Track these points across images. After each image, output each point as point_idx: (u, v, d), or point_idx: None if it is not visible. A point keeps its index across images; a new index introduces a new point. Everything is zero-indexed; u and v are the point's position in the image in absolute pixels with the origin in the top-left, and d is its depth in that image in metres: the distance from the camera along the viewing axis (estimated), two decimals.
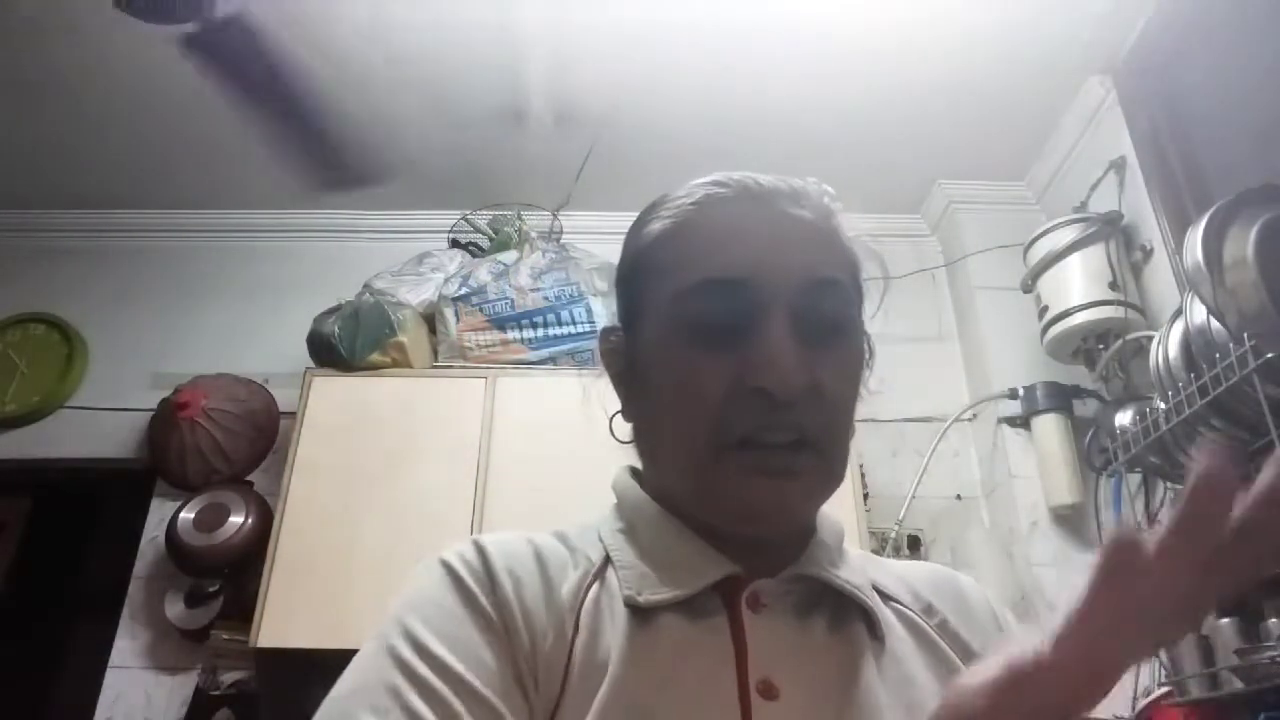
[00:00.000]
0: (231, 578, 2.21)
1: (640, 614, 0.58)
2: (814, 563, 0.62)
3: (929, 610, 0.66)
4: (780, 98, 2.34)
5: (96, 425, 2.55)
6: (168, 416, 2.39)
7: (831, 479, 0.61)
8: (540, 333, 2.27)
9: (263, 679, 2.02)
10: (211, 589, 2.21)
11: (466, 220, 2.68)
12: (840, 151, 2.51)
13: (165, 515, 2.30)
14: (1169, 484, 1.86)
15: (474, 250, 2.58)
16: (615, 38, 2.17)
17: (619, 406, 0.71)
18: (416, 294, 2.38)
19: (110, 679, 2.22)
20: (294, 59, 1.73)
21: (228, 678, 2.08)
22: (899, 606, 0.66)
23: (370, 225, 2.83)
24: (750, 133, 2.44)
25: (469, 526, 1.99)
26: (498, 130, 2.48)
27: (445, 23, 2.13)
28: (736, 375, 0.58)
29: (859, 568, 0.66)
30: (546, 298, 2.30)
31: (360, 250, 2.75)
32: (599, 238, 2.60)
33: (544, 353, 2.25)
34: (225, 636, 2.11)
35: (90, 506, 3.03)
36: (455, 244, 2.63)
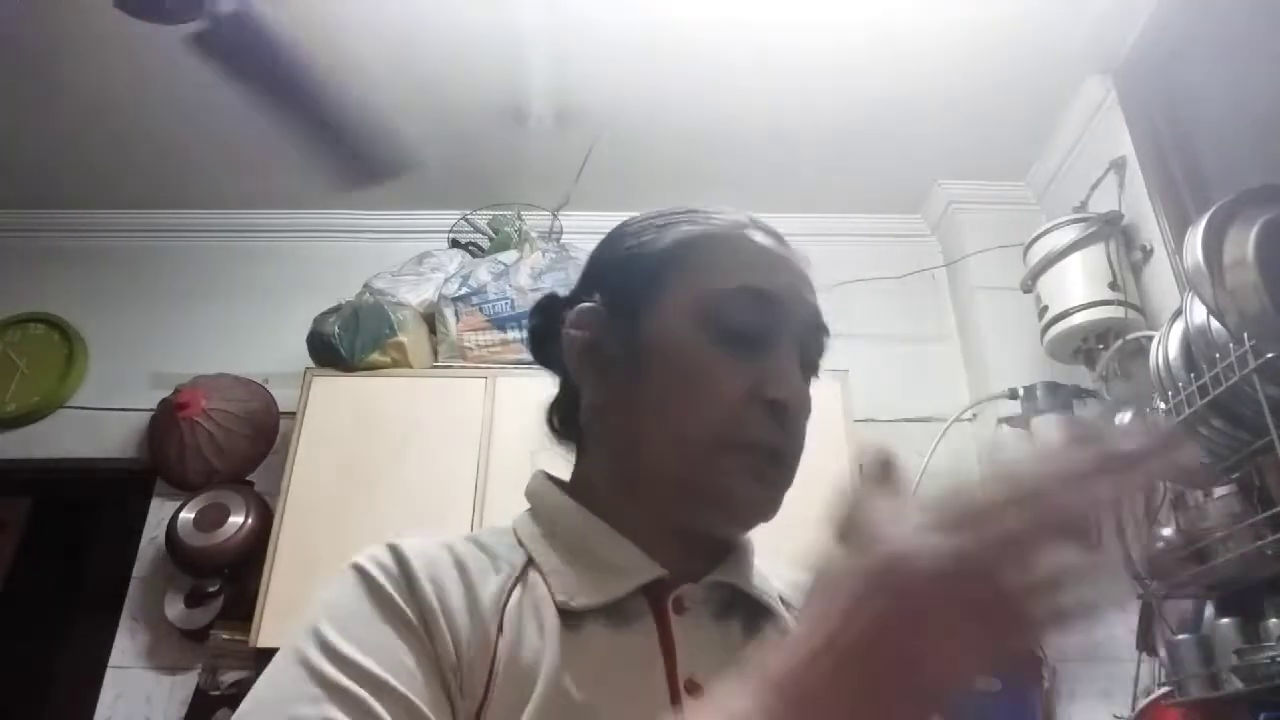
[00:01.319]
0: (231, 578, 2.21)
1: (570, 616, 0.59)
2: (733, 572, 0.66)
3: None
4: (781, 98, 2.34)
5: (96, 425, 2.55)
6: (168, 416, 2.38)
7: (782, 502, 0.65)
8: None
9: None
10: (211, 589, 2.21)
11: (466, 220, 2.68)
12: (841, 151, 2.51)
13: (165, 515, 2.29)
14: (1169, 484, 1.85)
15: (474, 250, 2.58)
16: (615, 38, 2.17)
17: (556, 396, 0.74)
18: (416, 294, 2.38)
19: (110, 679, 2.22)
20: (306, 53, 1.72)
21: (228, 678, 2.08)
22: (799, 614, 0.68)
23: (370, 225, 2.83)
24: (751, 133, 2.44)
25: (469, 526, 1.99)
26: (498, 130, 2.48)
27: (445, 23, 2.13)
28: (755, 383, 0.62)
29: (768, 578, 0.69)
30: None
31: (360, 250, 2.75)
32: (599, 238, 2.60)
33: None
34: (225, 636, 2.11)
35: (90, 506, 3.04)
36: (455, 244, 2.63)
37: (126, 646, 2.26)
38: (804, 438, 0.65)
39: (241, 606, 2.08)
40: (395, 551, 0.60)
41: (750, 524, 0.65)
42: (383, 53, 2.23)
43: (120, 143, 2.54)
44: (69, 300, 2.73)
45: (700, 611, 0.63)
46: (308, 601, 0.58)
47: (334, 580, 0.59)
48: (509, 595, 0.60)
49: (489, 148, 2.56)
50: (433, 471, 2.07)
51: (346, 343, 2.21)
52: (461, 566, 0.61)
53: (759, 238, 0.68)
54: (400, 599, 0.56)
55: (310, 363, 2.27)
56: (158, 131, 2.49)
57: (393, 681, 0.52)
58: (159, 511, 2.38)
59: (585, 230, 2.65)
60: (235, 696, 2.05)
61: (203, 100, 2.24)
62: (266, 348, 2.58)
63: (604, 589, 0.60)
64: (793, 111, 2.38)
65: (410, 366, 2.24)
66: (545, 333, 0.73)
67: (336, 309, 2.31)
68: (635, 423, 0.65)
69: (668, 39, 2.18)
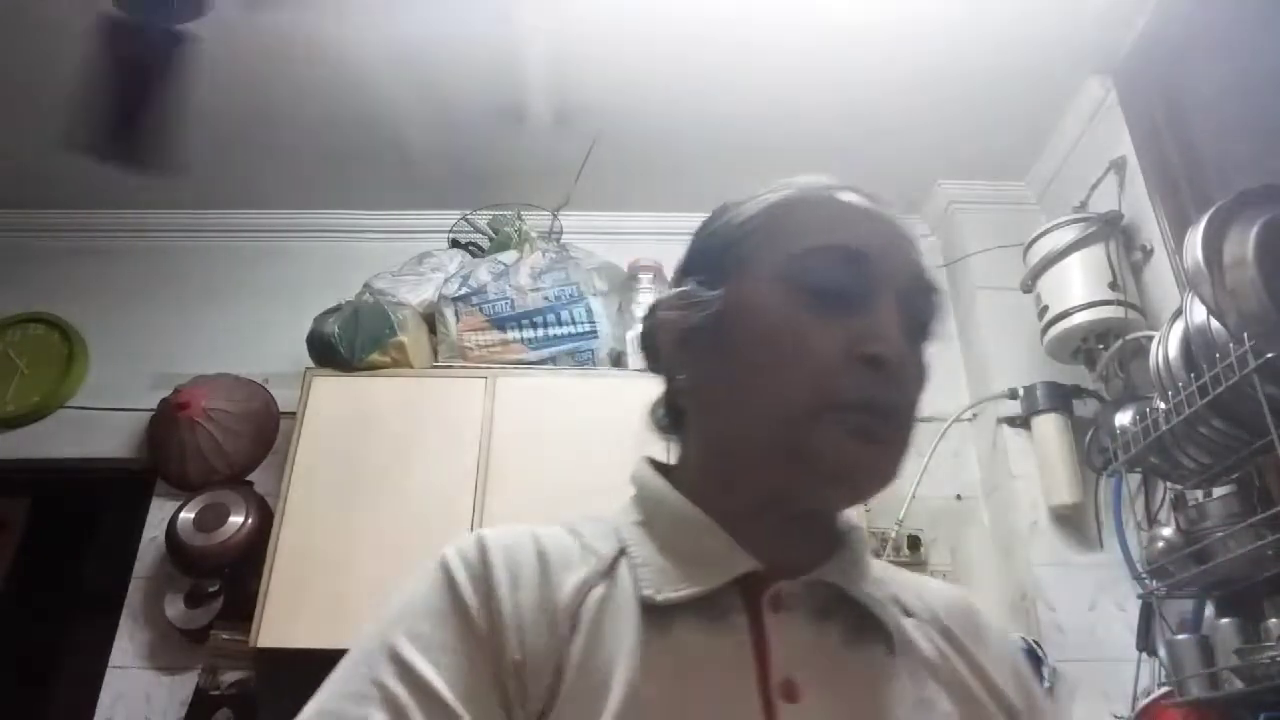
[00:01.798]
0: (231, 578, 2.20)
1: (656, 612, 0.57)
2: (839, 571, 0.61)
3: (947, 634, 0.65)
4: (780, 97, 2.34)
5: (96, 425, 2.55)
6: (168, 416, 2.39)
7: (902, 464, 0.61)
8: (540, 333, 2.27)
9: (263, 679, 2.02)
10: (211, 589, 2.21)
11: (466, 220, 2.68)
12: (840, 151, 2.50)
13: (165, 515, 2.29)
14: (1169, 484, 1.86)
15: (474, 250, 2.58)
16: (615, 36, 2.17)
17: (662, 391, 0.70)
18: (416, 294, 2.38)
19: (110, 679, 2.21)
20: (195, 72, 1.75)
21: (228, 678, 2.08)
22: (921, 624, 0.65)
23: (370, 225, 2.83)
24: (750, 132, 2.43)
25: (469, 527, 1.99)
26: (498, 130, 2.48)
27: (445, 23, 2.13)
28: (849, 341, 0.58)
29: (882, 581, 0.65)
30: (546, 298, 2.30)
31: (360, 250, 2.74)
32: (599, 238, 2.60)
33: (544, 353, 2.25)
34: (225, 636, 2.11)
35: (90, 506, 3.03)
36: (455, 244, 2.63)
37: (126, 646, 2.26)
38: (916, 400, 0.61)
39: (241, 606, 2.08)
40: (480, 543, 0.60)
41: (864, 491, 0.60)
42: (383, 53, 2.23)
43: None
44: (69, 300, 2.73)
45: (799, 610, 0.59)
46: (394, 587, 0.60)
47: (423, 569, 0.60)
48: (590, 590, 0.58)
49: (489, 148, 2.56)
50: (433, 472, 2.07)
51: (346, 343, 2.21)
52: (543, 557, 0.59)
53: (846, 196, 0.64)
54: (472, 598, 0.56)
55: (310, 363, 2.27)
56: None
57: (442, 689, 0.52)
58: (159, 511, 2.38)
59: (585, 230, 2.65)
60: (235, 696, 2.05)
61: (202, 100, 2.24)
62: (266, 348, 2.58)
63: (694, 581, 0.57)
64: (792, 112, 2.38)
65: (410, 366, 2.24)
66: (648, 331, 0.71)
67: (336, 309, 2.31)
68: (731, 397, 0.62)
69: (667, 39, 2.17)
